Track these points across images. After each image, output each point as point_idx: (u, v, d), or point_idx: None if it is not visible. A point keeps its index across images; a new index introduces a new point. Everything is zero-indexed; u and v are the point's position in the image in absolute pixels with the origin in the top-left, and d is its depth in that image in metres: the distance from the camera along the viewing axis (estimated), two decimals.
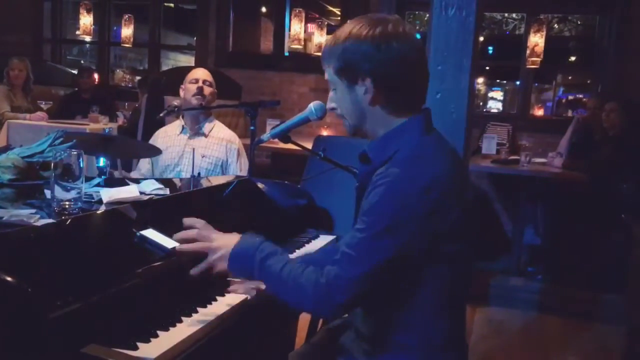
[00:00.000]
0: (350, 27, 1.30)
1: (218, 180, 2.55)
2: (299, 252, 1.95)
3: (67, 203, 1.52)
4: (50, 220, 1.45)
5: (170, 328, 1.29)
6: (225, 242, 1.39)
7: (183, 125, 2.99)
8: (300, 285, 1.27)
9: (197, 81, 2.96)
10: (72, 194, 1.53)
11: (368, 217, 1.23)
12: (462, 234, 1.29)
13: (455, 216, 1.25)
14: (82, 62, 11.98)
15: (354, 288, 1.22)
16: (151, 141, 3.02)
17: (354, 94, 1.32)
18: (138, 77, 7.36)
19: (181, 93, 3.04)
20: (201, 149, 2.94)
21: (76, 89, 6.11)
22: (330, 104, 1.41)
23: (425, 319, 1.33)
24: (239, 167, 3.00)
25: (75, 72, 6.63)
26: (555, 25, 9.70)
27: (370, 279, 1.22)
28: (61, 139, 1.89)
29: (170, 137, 2.99)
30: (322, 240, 2.14)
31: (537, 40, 4.96)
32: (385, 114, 1.32)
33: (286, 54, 6.24)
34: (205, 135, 2.98)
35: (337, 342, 1.51)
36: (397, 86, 1.29)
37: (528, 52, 5.04)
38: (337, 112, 1.40)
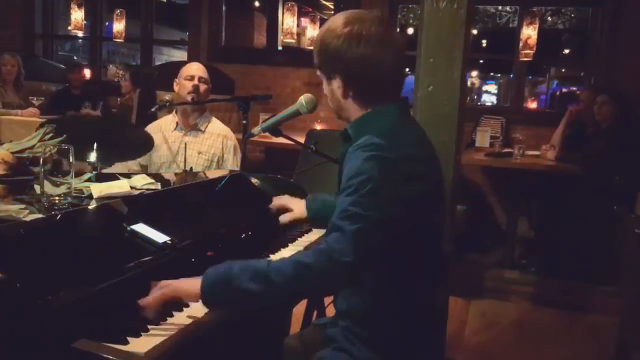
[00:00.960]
0: (329, 24, 1.41)
1: (211, 174, 2.54)
2: (291, 246, 1.94)
3: (56, 198, 1.52)
4: (40, 216, 1.45)
5: (161, 322, 1.29)
6: (188, 280, 1.34)
7: (177, 122, 2.97)
8: (299, 265, 1.26)
9: (192, 78, 2.92)
10: (62, 189, 1.53)
11: (355, 179, 1.29)
12: (432, 210, 1.40)
13: (426, 190, 1.35)
14: (74, 57, 11.94)
15: (357, 242, 1.24)
16: None
17: (331, 86, 1.44)
18: (113, 70, 7.28)
19: (175, 88, 3.00)
20: (197, 146, 2.91)
21: (66, 84, 6.08)
22: (325, 91, 1.50)
23: (404, 302, 1.41)
24: (236, 164, 2.97)
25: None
26: (549, 18, 9.71)
27: (369, 234, 1.26)
28: (51, 135, 1.87)
29: (164, 132, 2.96)
30: (315, 234, 2.13)
31: (530, 33, 4.95)
32: (356, 105, 1.43)
33: (279, 48, 6.22)
34: (202, 132, 2.96)
35: (326, 333, 1.54)
36: (362, 83, 1.39)
37: (521, 45, 5.04)
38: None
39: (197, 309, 1.37)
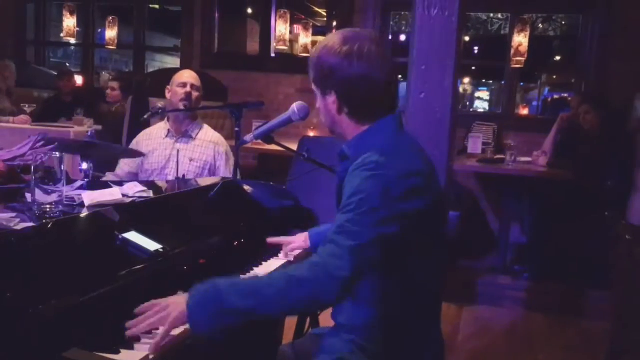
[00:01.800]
0: (326, 41, 1.44)
1: (203, 182, 2.53)
2: (283, 254, 1.94)
3: (48, 206, 1.52)
4: (31, 224, 1.44)
5: (154, 331, 1.28)
6: (174, 299, 1.30)
7: (169, 129, 2.97)
8: (291, 278, 1.25)
9: (184, 85, 2.92)
10: (54, 197, 1.52)
11: (354, 197, 1.30)
12: (433, 223, 1.40)
13: (426, 205, 1.35)
14: (67, 64, 11.90)
15: (353, 257, 1.24)
16: (134, 143, 2.98)
17: (325, 102, 1.46)
18: (105, 77, 7.17)
19: (167, 95, 3.00)
20: (189, 153, 2.91)
21: (57, 92, 6.05)
22: (317, 106, 1.52)
23: (405, 311, 1.42)
24: (229, 170, 2.97)
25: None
26: (540, 25, 9.78)
27: (365, 251, 1.26)
28: (42, 142, 1.87)
29: (155, 139, 2.95)
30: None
31: (521, 40, 4.99)
32: (350, 121, 1.45)
33: (272, 55, 6.23)
34: (193, 139, 2.96)
35: (326, 343, 1.53)
36: (358, 99, 1.42)
37: (512, 51, 5.07)
38: (320, 115, 1.52)
39: None
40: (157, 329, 1.27)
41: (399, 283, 1.38)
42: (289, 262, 1.89)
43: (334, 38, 1.42)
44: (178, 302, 1.27)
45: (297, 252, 1.94)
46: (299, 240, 1.93)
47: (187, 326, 1.28)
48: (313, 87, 1.48)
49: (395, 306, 1.40)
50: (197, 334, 1.26)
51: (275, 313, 1.32)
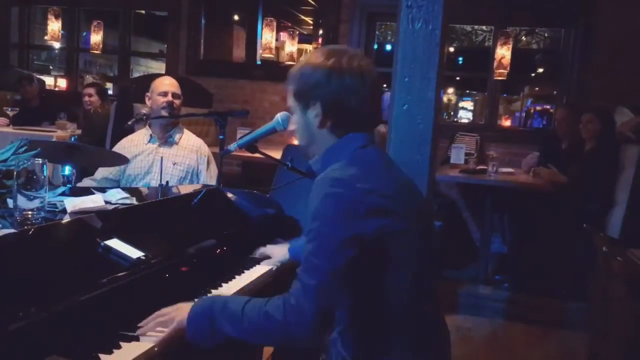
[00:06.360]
0: (310, 56, 1.45)
1: (186, 189, 2.53)
2: (265, 263, 1.95)
3: (30, 212, 1.51)
4: (12, 230, 1.43)
5: (133, 340, 1.28)
6: (180, 308, 1.38)
7: (151, 134, 2.97)
8: (269, 318, 1.27)
9: (166, 94, 2.93)
10: (35, 203, 1.52)
11: (315, 223, 1.28)
12: (407, 239, 1.33)
13: (392, 223, 1.30)
14: (50, 67, 11.81)
15: (319, 297, 1.24)
16: (116, 149, 2.97)
17: (306, 117, 1.43)
18: (89, 81, 7.13)
19: (147, 102, 3.01)
20: (172, 157, 2.92)
21: (19, 97, 5.98)
22: (291, 126, 1.54)
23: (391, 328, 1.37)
24: (209, 175, 2.98)
25: (43, 77, 6.52)
26: (523, 38, 9.91)
27: (330, 285, 1.25)
28: (25, 147, 1.86)
29: (137, 145, 2.95)
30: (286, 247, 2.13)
31: (504, 52, 5.07)
32: (331, 135, 1.42)
33: (258, 62, 6.24)
34: (177, 143, 2.97)
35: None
36: (342, 112, 1.40)
37: (495, 64, 5.15)
38: (295, 133, 1.50)
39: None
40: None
41: (370, 294, 1.35)
42: (270, 271, 1.90)
43: (317, 53, 1.43)
44: (182, 310, 1.36)
45: (280, 260, 1.95)
46: (279, 253, 1.96)
47: (164, 336, 1.33)
48: (292, 102, 1.46)
49: (366, 313, 1.37)
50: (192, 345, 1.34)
51: (257, 344, 1.37)
